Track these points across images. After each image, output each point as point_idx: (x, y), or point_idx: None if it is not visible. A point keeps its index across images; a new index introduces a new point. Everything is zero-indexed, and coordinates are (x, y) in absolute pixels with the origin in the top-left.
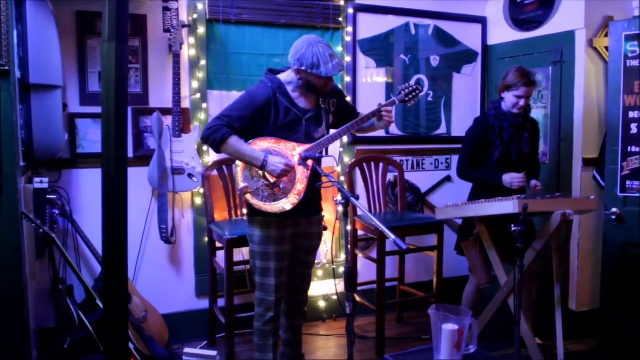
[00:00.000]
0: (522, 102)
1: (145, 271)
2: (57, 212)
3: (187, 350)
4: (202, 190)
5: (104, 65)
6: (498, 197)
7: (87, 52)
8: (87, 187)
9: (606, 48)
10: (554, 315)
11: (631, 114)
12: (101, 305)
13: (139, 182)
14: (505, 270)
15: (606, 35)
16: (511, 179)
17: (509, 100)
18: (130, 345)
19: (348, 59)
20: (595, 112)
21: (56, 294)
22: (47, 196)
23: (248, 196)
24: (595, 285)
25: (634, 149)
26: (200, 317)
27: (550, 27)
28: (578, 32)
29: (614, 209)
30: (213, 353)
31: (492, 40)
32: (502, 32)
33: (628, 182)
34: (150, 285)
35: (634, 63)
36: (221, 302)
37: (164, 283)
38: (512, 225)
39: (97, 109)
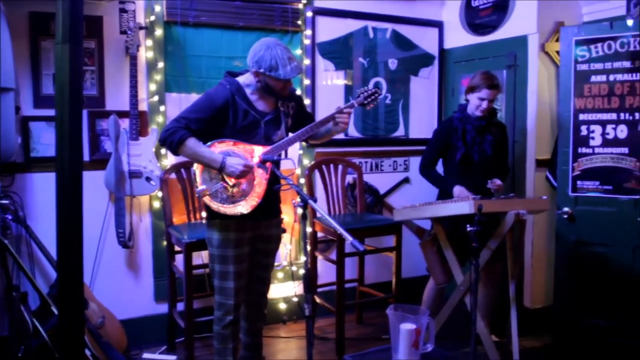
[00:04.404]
0: (484, 105)
1: (103, 276)
2: (9, 217)
3: (145, 355)
4: (160, 194)
5: (57, 68)
6: (454, 198)
7: (40, 53)
8: (42, 192)
9: (557, 52)
10: (509, 312)
11: (581, 117)
12: (56, 312)
13: (95, 186)
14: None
15: (557, 40)
16: (459, 192)
17: (473, 102)
18: (87, 352)
19: (307, 61)
20: (547, 114)
21: (9, 302)
22: None
23: (206, 199)
24: (548, 282)
25: (584, 150)
26: (159, 322)
27: (504, 32)
28: (530, 36)
29: (565, 209)
30: (172, 358)
31: (448, 44)
32: (458, 36)
33: (579, 182)
34: (107, 291)
35: (584, 67)
36: (180, 307)
37: (121, 288)
38: (468, 225)
39: (52, 112)
